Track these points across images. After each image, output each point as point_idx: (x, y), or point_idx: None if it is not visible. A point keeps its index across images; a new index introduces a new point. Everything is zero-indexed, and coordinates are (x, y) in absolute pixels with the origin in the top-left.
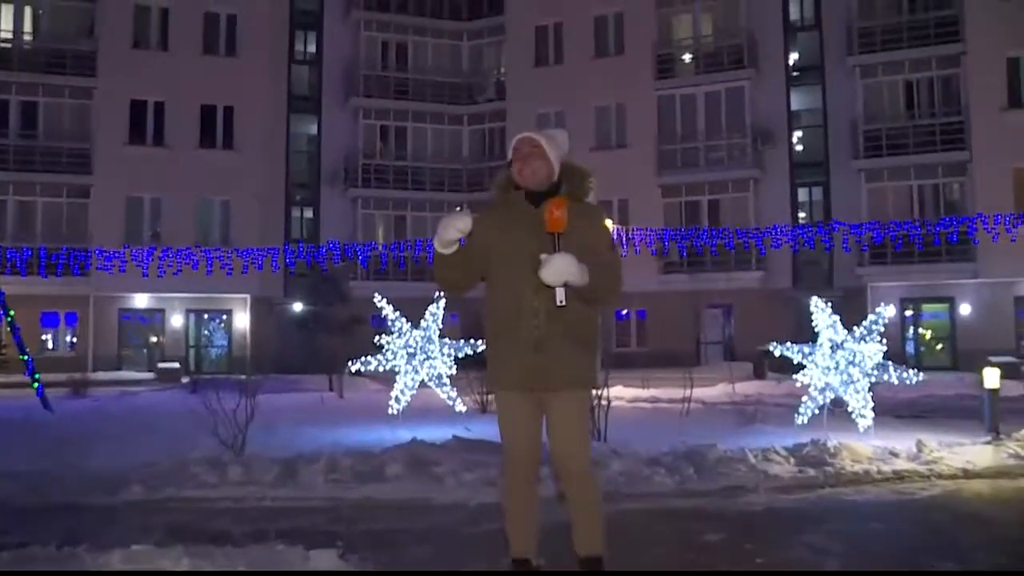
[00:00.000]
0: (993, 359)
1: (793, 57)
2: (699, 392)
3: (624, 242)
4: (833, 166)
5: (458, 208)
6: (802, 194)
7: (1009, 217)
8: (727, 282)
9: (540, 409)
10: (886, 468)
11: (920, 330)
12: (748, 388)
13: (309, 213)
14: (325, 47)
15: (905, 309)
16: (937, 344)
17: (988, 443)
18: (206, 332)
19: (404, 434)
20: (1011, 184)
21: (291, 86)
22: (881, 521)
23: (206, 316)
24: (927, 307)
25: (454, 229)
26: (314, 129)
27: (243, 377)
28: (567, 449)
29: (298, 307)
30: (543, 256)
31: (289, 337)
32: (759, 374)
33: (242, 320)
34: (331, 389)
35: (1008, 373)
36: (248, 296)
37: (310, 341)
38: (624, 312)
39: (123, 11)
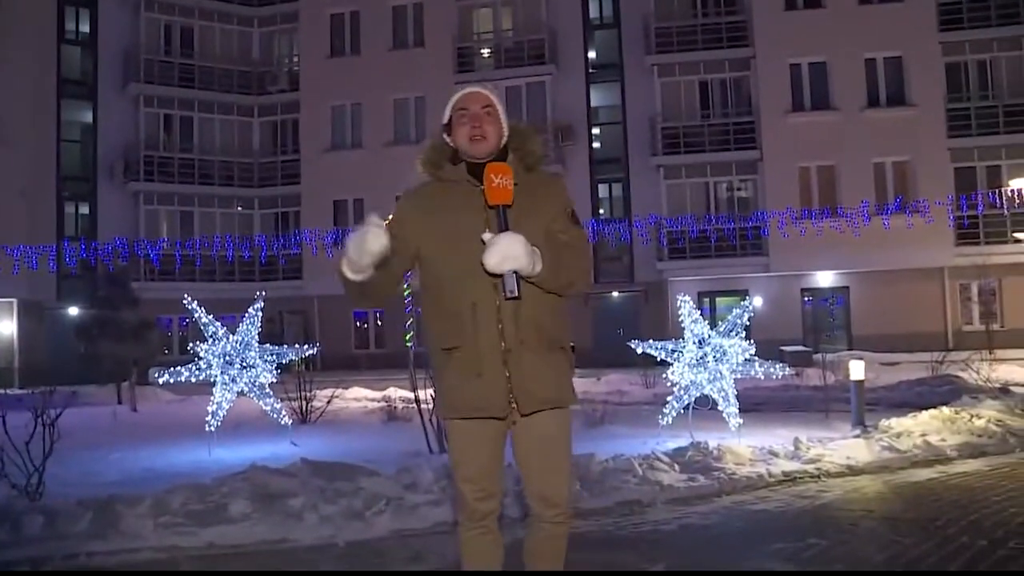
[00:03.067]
0: (786, 349)
1: (593, 54)
2: None
3: None
4: (632, 163)
5: (368, 220)
6: (602, 190)
7: (795, 213)
8: None
9: (504, 436)
10: (775, 470)
11: (717, 323)
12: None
13: (85, 208)
14: (101, 27)
15: (702, 302)
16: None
17: (858, 437)
18: None
19: (225, 454)
20: (797, 182)
21: (60, 69)
22: (814, 534)
23: None
24: (722, 300)
25: (368, 255)
26: (89, 117)
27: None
28: (553, 483)
29: (74, 311)
30: (485, 237)
31: (64, 345)
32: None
33: (7, 327)
34: (120, 401)
35: (801, 362)
36: (15, 300)
37: (92, 348)
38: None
39: None
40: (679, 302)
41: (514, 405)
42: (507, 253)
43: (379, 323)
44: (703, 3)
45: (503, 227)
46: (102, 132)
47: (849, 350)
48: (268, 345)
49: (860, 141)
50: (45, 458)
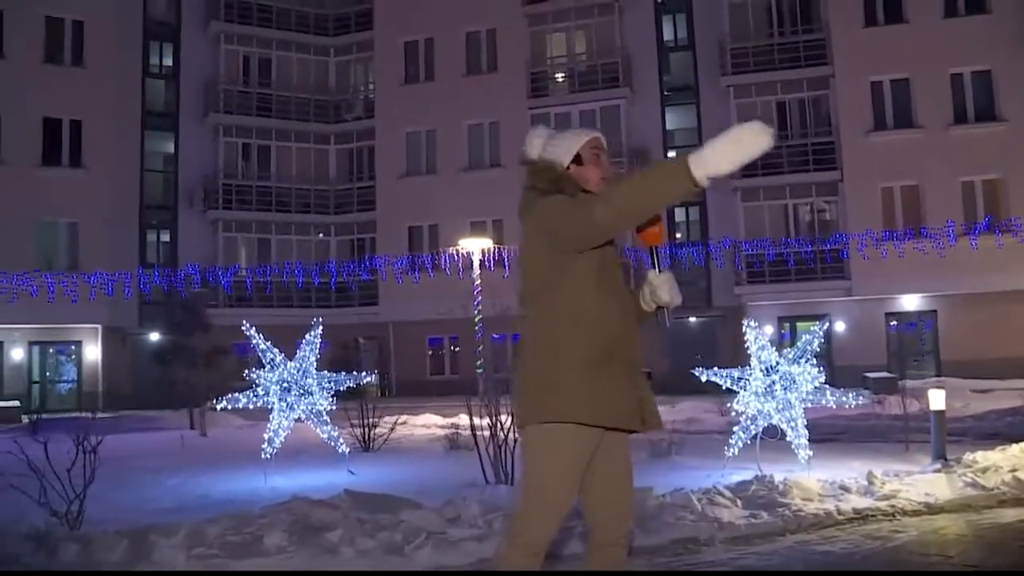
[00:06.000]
0: (869, 375)
1: (667, 77)
2: None
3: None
4: (710, 186)
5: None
6: (679, 214)
7: (877, 234)
8: None
9: None
10: (845, 507)
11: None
12: None
13: (166, 236)
14: (183, 61)
15: (782, 327)
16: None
17: (939, 471)
18: (53, 366)
19: (281, 482)
20: (879, 203)
21: (145, 101)
22: None
23: (51, 348)
24: (802, 325)
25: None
26: (171, 147)
27: (91, 416)
28: (630, 507)
29: (154, 337)
30: (654, 273)
31: (145, 370)
32: None
33: (92, 352)
34: (192, 426)
35: (886, 388)
36: (99, 326)
37: (168, 374)
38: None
39: None
40: (746, 327)
41: (641, 422)
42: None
43: (454, 349)
44: (779, 22)
45: (658, 266)
46: (183, 161)
47: (937, 376)
48: (326, 372)
49: (946, 159)
50: (86, 486)
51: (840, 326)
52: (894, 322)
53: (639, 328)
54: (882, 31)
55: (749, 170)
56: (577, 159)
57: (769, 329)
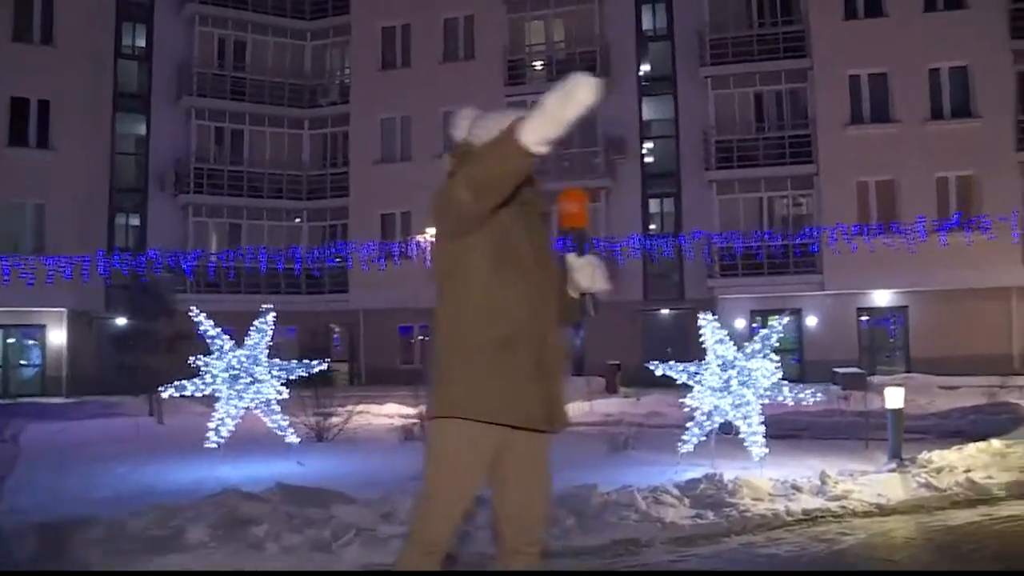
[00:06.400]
0: (837, 370)
1: (645, 67)
2: None
3: None
4: (684, 177)
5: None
6: (653, 205)
7: (851, 229)
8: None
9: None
10: (795, 507)
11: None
12: (606, 406)
13: (135, 220)
14: (156, 42)
15: (754, 320)
16: (785, 355)
17: (894, 471)
18: (17, 350)
19: (229, 472)
20: (854, 197)
21: (117, 82)
22: None
23: (16, 332)
24: (775, 318)
25: (578, 107)
26: (143, 129)
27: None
28: (541, 513)
29: (121, 321)
30: (573, 257)
31: (109, 355)
32: (611, 389)
33: (58, 336)
34: (151, 413)
35: (854, 384)
36: (64, 310)
37: (129, 359)
38: None
39: None
40: (701, 320)
41: (549, 420)
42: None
43: (423, 338)
44: (759, 13)
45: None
46: (154, 144)
47: (907, 372)
48: (277, 360)
49: (922, 154)
50: (2, 479)
51: (812, 320)
52: (865, 317)
53: (554, 316)
54: (861, 24)
55: (725, 163)
56: None
57: (741, 322)
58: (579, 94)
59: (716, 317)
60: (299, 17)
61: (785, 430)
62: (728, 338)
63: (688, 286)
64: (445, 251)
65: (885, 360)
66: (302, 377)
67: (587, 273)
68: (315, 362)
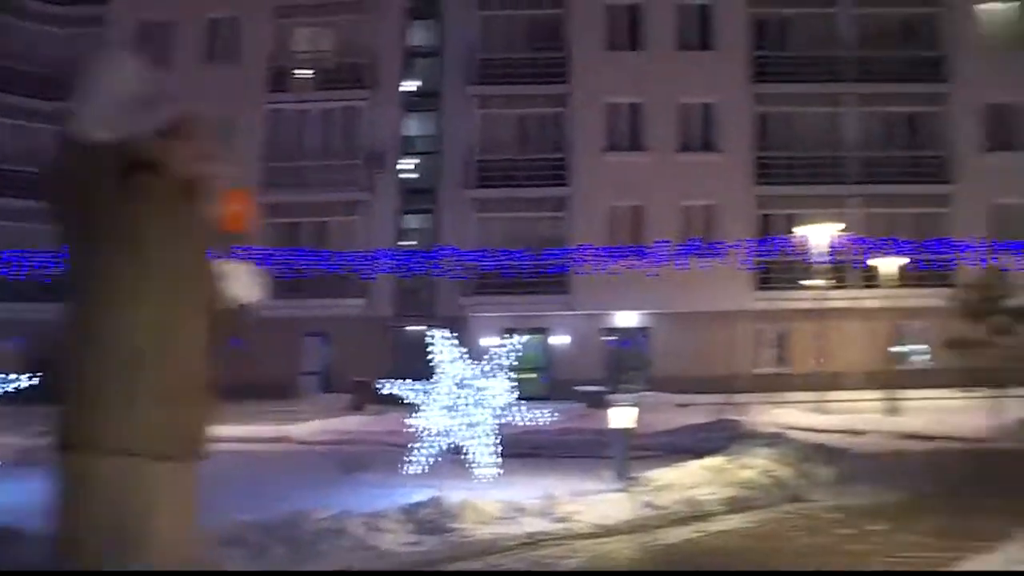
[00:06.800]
0: (580, 388)
1: (414, 82)
2: (296, 429)
3: None
4: (445, 194)
5: None
6: (411, 221)
7: (601, 252)
8: (326, 309)
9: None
10: (518, 530)
11: (519, 362)
12: (348, 424)
13: None
14: None
15: (505, 339)
16: (533, 374)
17: (621, 491)
18: None
19: None
20: (606, 221)
21: None
22: None
23: None
24: (525, 337)
25: None
26: None
27: None
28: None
29: None
30: (226, 264)
31: None
32: (358, 407)
33: None
34: None
35: (596, 403)
36: None
37: None
38: None
39: None
40: (428, 337)
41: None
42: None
43: None
44: (529, 37)
45: None
46: None
47: (649, 391)
48: None
49: (670, 183)
50: None
51: (561, 340)
52: (612, 337)
53: (194, 332)
54: (621, 56)
55: (486, 182)
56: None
57: (493, 341)
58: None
59: (456, 335)
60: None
61: (524, 449)
62: (467, 356)
63: (441, 303)
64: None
65: (629, 379)
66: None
67: (242, 282)
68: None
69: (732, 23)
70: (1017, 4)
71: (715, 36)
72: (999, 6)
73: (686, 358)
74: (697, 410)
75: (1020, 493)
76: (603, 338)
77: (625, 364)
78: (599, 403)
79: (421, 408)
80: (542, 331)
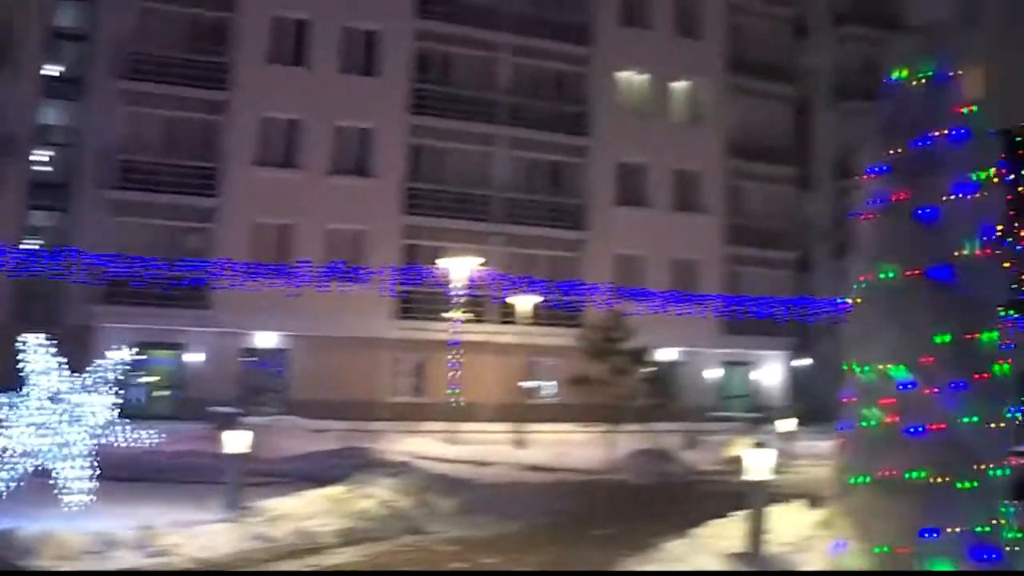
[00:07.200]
0: (212, 409)
1: (56, 66)
2: None
3: None
4: (82, 192)
5: None
6: (39, 218)
7: (244, 269)
8: None
9: None
10: (109, 566)
11: (150, 377)
12: None
13: None
14: None
15: (138, 354)
16: (166, 392)
17: (231, 521)
18: None
19: None
20: (253, 237)
21: None
22: None
23: None
24: (159, 353)
25: None
26: None
27: None
28: None
29: None
30: None
31: None
32: None
33: None
34: None
35: (226, 425)
36: None
37: None
38: None
39: None
40: (26, 345)
41: None
42: None
43: None
44: (191, 37)
45: None
46: None
47: (285, 415)
48: None
49: (320, 205)
50: None
51: (197, 357)
52: (251, 357)
53: None
54: (283, 70)
55: (128, 183)
56: None
57: (124, 354)
58: None
59: (45, 343)
60: None
61: (138, 472)
62: (60, 368)
63: (69, 310)
64: None
65: (265, 401)
66: None
67: None
68: None
69: (397, 53)
70: (647, 77)
71: (379, 63)
72: (635, 76)
73: (325, 383)
74: (330, 436)
75: (626, 522)
76: (241, 358)
77: (262, 386)
78: (228, 425)
79: (3, 424)
80: (179, 347)
